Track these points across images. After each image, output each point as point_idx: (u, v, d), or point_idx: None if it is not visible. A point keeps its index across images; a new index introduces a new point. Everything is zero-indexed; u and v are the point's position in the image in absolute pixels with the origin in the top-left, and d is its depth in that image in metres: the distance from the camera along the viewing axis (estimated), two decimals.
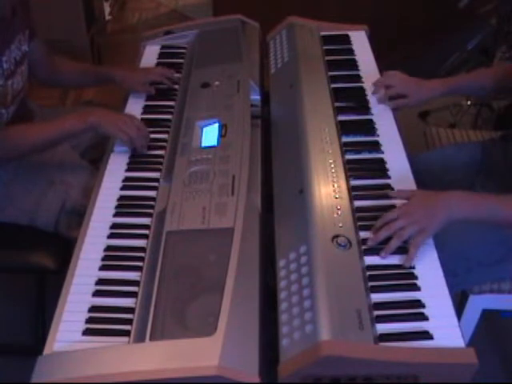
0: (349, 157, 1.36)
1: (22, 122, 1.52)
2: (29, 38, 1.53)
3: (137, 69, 1.74)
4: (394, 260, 1.14)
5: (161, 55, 1.81)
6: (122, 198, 1.32)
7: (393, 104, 1.53)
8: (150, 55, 1.81)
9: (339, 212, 1.19)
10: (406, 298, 1.07)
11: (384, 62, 1.73)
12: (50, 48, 1.68)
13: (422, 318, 1.04)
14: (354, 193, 1.26)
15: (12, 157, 1.48)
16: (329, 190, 1.24)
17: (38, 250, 1.52)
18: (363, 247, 1.15)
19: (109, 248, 1.20)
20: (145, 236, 1.22)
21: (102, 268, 1.16)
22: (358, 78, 1.64)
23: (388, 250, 1.14)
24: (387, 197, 1.26)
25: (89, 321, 1.07)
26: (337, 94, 1.55)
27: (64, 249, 1.49)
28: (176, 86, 1.66)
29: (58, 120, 1.43)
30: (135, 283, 1.13)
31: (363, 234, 1.17)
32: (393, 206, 1.24)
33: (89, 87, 2.73)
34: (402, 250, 1.15)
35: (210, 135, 1.41)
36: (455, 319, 1.05)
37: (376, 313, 1.04)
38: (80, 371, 0.96)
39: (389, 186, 1.29)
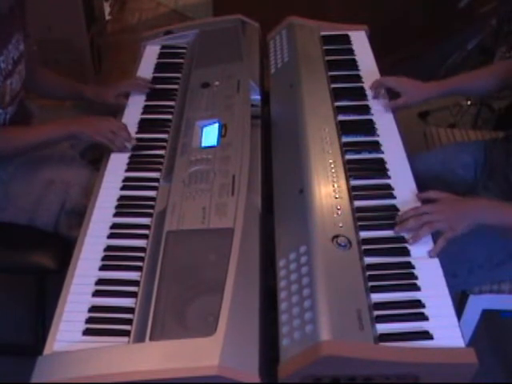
0: (349, 157, 1.36)
1: (20, 123, 1.53)
2: (23, 40, 1.53)
3: (107, 84, 1.74)
4: (394, 260, 1.14)
5: (161, 55, 1.81)
6: (122, 197, 1.32)
7: (392, 104, 1.53)
8: (149, 55, 1.81)
9: (339, 212, 1.19)
10: (406, 298, 1.07)
11: (384, 62, 1.73)
12: (46, 50, 1.67)
13: (422, 317, 1.04)
14: (354, 193, 1.26)
15: None
16: (329, 190, 1.24)
17: (37, 250, 1.52)
18: (363, 247, 1.15)
19: (109, 248, 1.20)
20: (145, 236, 1.22)
21: (102, 268, 1.16)
22: (357, 78, 1.63)
23: (417, 238, 1.15)
24: (387, 197, 1.27)
25: (89, 321, 1.07)
26: (337, 94, 1.55)
27: (64, 249, 1.49)
28: (176, 86, 1.66)
29: (42, 126, 1.49)
30: (135, 283, 1.13)
31: (363, 234, 1.18)
32: (393, 206, 1.24)
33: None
34: (402, 249, 1.15)
35: (210, 135, 1.41)
36: (455, 319, 1.05)
37: (376, 313, 1.04)
38: (80, 371, 0.96)
39: (389, 186, 1.29)
